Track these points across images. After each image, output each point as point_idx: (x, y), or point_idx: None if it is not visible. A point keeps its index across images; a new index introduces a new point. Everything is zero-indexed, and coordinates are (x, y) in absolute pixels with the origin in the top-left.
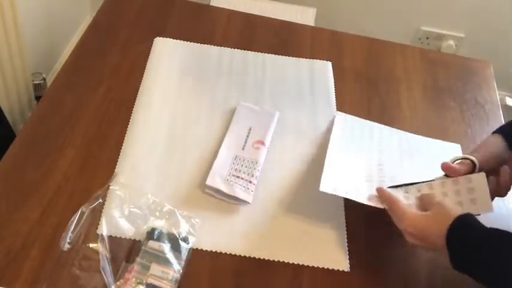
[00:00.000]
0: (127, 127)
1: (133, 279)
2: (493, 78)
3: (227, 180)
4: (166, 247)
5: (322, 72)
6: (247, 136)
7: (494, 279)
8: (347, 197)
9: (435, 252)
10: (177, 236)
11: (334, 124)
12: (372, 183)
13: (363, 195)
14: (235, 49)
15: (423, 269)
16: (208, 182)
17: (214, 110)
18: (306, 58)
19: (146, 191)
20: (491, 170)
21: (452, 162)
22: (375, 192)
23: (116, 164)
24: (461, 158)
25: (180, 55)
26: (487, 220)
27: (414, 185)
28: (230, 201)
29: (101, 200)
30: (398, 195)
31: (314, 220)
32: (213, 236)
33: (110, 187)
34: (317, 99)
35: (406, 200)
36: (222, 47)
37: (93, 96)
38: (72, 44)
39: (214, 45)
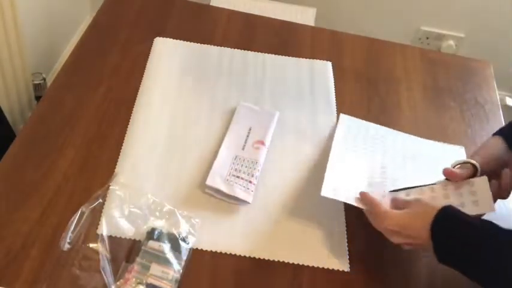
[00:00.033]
0: (127, 127)
1: (133, 279)
2: (493, 78)
3: (227, 180)
4: (166, 247)
5: (322, 72)
6: (247, 136)
7: (480, 270)
8: (347, 202)
9: (419, 248)
10: (177, 236)
11: (337, 126)
12: (373, 186)
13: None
14: (235, 49)
15: (423, 269)
16: (208, 182)
17: (214, 110)
18: (306, 58)
19: (146, 191)
20: (493, 172)
21: (454, 167)
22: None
23: (116, 164)
24: (462, 162)
25: (180, 55)
26: (487, 219)
27: (416, 188)
28: (230, 201)
29: (101, 200)
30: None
31: (314, 220)
32: (213, 236)
33: (110, 187)
34: (317, 99)
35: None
36: (222, 47)
37: (93, 96)
38: (72, 44)
39: (214, 45)
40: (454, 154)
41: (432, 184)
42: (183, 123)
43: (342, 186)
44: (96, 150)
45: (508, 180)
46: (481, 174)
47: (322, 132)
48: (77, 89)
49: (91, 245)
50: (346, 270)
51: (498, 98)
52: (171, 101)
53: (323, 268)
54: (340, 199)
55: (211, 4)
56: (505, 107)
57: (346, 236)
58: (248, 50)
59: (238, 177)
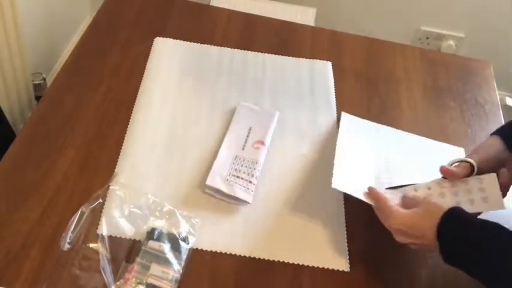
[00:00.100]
0: (127, 127)
1: (133, 279)
2: (493, 78)
3: (227, 180)
4: (166, 247)
5: (322, 72)
6: (247, 136)
7: (486, 271)
8: (357, 196)
9: (425, 248)
10: (177, 236)
11: (340, 123)
12: (381, 184)
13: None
14: (235, 49)
15: (423, 269)
16: (208, 182)
17: (214, 110)
18: (306, 58)
19: (146, 191)
20: (490, 171)
21: (451, 165)
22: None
23: (116, 164)
24: (460, 161)
25: (180, 55)
26: (487, 219)
27: (424, 184)
28: (230, 201)
29: (101, 200)
30: (386, 194)
31: (314, 220)
32: (213, 236)
33: (110, 187)
34: (317, 99)
35: (394, 200)
36: (222, 47)
37: (93, 96)
38: (72, 44)
39: (214, 45)
40: (456, 155)
41: (436, 181)
42: (183, 123)
43: (351, 180)
44: (96, 150)
45: (506, 179)
46: (478, 173)
47: (322, 132)
48: (77, 89)
49: (91, 245)
50: (346, 270)
51: (498, 98)
52: (171, 101)
53: (323, 268)
54: (349, 192)
55: (211, 4)
56: (505, 107)
57: (346, 236)
58: (248, 50)
59: (238, 177)
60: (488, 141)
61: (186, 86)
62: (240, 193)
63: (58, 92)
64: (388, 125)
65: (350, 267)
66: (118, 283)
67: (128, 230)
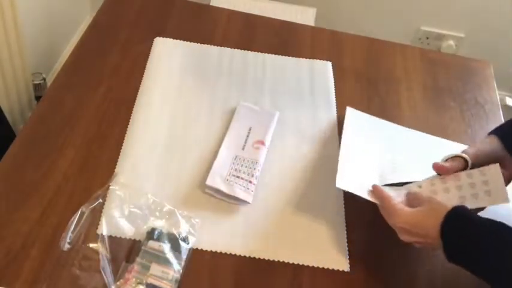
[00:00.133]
0: (127, 127)
1: (133, 279)
2: (493, 78)
3: (227, 180)
4: (166, 247)
5: (322, 72)
6: (247, 136)
7: (489, 269)
8: (360, 194)
9: (429, 247)
10: (177, 236)
11: (345, 118)
12: (385, 182)
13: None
14: (235, 49)
15: (423, 269)
16: (208, 182)
17: (214, 110)
18: (306, 58)
19: (146, 191)
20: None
21: (445, 161)
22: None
23: (116, 164)
24: (453, 156)
25: (180, 55)
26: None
27: (428, 179)
28: (230, 201)
29: (101, 200)
30: (390, 192)
31: (314, 220)
32: (213, 236)
33: (110, 187)
34: (317, 99)
35: (398, 198)
36: (222, 47)
37: (93, 96)
38: (72, 44)
39: (214, 45)
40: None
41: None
42: (183, 123)
43: (355, 178)
44: (96, 150)
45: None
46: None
47: (322, 132)
48: (77, 89)
49: (91, 245)
50: (346, 270)
51: (498, 98)
52: (171, 101)
53: (323, 268)
54: (353, 191)
55: (211, 4)
56: (505, 107)
57: (346, 236)
58: (248, 50)
59: (238, 177)
60: (486, 140)
61: (186, 86)
62: (240, 193)
63: (58, 92)
64: (385, 120)
65: (350, 267)
66: (118, 283)
67: (128, 230)
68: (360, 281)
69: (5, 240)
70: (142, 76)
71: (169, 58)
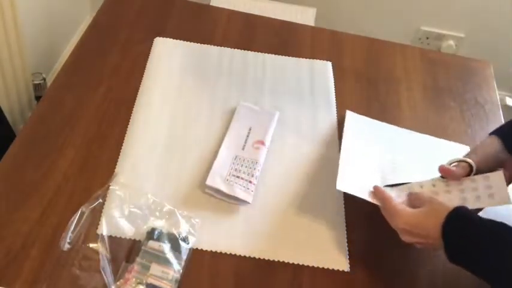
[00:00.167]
0: (127, 127)
1: (133, 279)
2: (493, 78)
3: (227, 180)
4: (166, 247)
5: (322, 72)
6: (247, 136)
7: (490, 270)
8: (361, 196)
9: (430, 247)
10: (177, 236)
11: (345, 122)
12: (387, 183)
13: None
14: (235, 49)
15: (424, 269)
16: (208, 182)
17: (214, 110)
18: (306, 58)
19: (146, 191)
20: (489, 171)
21: (449, 165)
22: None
23: (116, 164)
24: (458, 161)
25: (180, 55)
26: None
27: (430, 181)
28: (230, 201)
29: (101, 200)
30: (391, 193)
31: (314, 220)
32: (213, 236)
33: (110, 187)
34: (317, 99)
35: (399, 198)
36: (222, 47)
37: (93, 96)
38: (72, 44)
39: (214, 45)
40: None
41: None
42: (183, 123)
43: (356, 180)
44: (96, 150)
45: (505, 179)
46: (477, 173)
47: (322, 132)
48: (77, 89)
49: (91, 245)
50: (346, 270)
51: (498, 98)
52: (171, 101)
53: (323, 268)
54: (354, 193)
55: (211, 4)
56: (505, 107)
57: (346, 236)
58: (248, 50)
59: (238, 177)
60: (487, 141)
61: (186, 86)
62: (240, 193)
63: (58, 92)
64: (385, 123)
65: (350, 267)
66: (118, 283)
67: (128, 230)
68: (360, 281)
69: (5, 240)
70: (142, 76)
71: (169, 58)
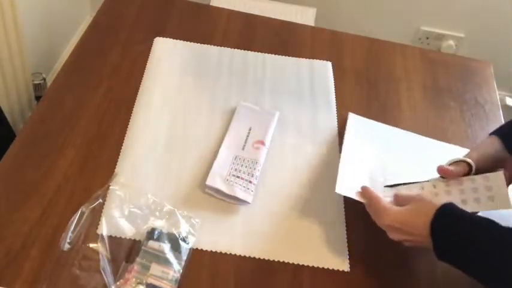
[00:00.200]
0: (127, 127)
1: (133, 279)
2: (493, 78)
3: (227, 180)
4: (166, 247)
5: (322, 72)
6: (247, 136)
7: (479, 267)
8: (353, 197)
9: (419, 245)
10: (177, 236)
11: (347, 124)
12: (393, 187)
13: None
14: (235, 49)
15: (423, 269)
16: (208, 182)
17: (214, 110)
18: (306, 58)
19: (146, 191)
20: (488, 171)
21: (449, 165)
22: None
23: (116, 164)
24: (457, 161)
25: (180, 55)
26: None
27: (431, 182)
28: (230, 201)
29: (101, 200)
30: (389, 193)
31: (314, 220)
32: (213, 236)
33: (110, 187)
34: (317, 99)
35: (386, 198)
36: (222, 47)
37: (93, 96)
38: (72, 44)
39: (214, 45)
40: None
41: (425, 181)
42: (183, 123)
43: (355, 184)
44: (96, 150)
45: (505, 179)
46: (476, 173)
47: (322, 132)
48: (77, 89)
49: (91, 245)
50: (346, 270)
51: (498, 98)
52: (171, 101)
53: (323, 268)
54: (353, 197)
55: (211, 4)
56: (505, 107)
57: (346, 236)
58: (248, 50)
59: (238, 177)
60: (487, 141)
61: (186, 86)
62: (240, 193)
63: (58, 92)
64: (388, 125)
65: (350, 267)
66: (118, 283)
67: (128, 230)
68: (360, 281)
69: (5, 240)
70: (142, 76)
71: (169, 58)
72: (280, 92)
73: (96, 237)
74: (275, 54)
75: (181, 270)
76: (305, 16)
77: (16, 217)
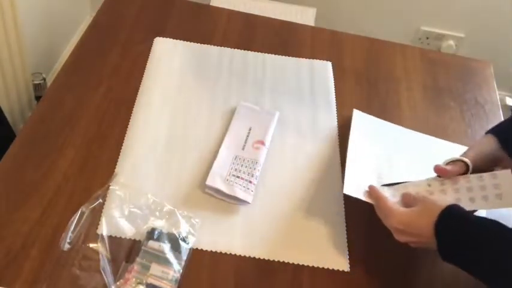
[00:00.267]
0: (127, 127)
1: (133, 279)
2: (493, 78)
3: (227, 180)
4: (166, 247)
5: (322, 72)
6: (247, 136)
7: (484, 269)
8: (358, 197)
9: (423, 246)
10: (177, 236)
11: (352, 121)
12: (391, 186)
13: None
14: (235, 49)
15: (423, 268)
16: (208, 182)
17: (214, 110)
18: (306, 58)
19: (146, 191)
20: (485, 170)
21: (445, 164)
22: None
23: (116, 164)
24: (454, 160)
25: (180, 55)
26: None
27: (439, 180)
28: (230, 201)
29: (101, 200)
30: (388, 192)
31: (314, 220)
32: (213, 236)
33: (110, 187)
34: (317, 99)
35: (394, 198)
36: (222, 47)
37: (93, 96)
38: (72, 44)
39: (214, 45)
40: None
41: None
42: (183, 123)
43: (362, 184)
44: (96, 150)
45: None
46: (473, 172)
47: (322, 132)
48: (77, 89)
49: (91, 245)
50: (346, 270)
51: (498, 98)
52: (171, 101)
53: (323, 268)
54: (361, 198)
55: (211, 4)
56: (505, 107)
57: (346, 236)
58: (248, 50)
59: (238, 177)
60: (483, 140)
61: (186, 86)
62: (240, 193)
63: (58, 92)
64: (392, 124)
65: (350, 267)
66: (118, 283)
67: (128, 230)
68: (360, 281)
69: (5, 240)
70: (142, 76)
71: (169, 58)
72: (280, 92)
73: (96, 237)
74: (275, 54)
75: (181, 270)
76: (305, 16)
77: (16, 217)
